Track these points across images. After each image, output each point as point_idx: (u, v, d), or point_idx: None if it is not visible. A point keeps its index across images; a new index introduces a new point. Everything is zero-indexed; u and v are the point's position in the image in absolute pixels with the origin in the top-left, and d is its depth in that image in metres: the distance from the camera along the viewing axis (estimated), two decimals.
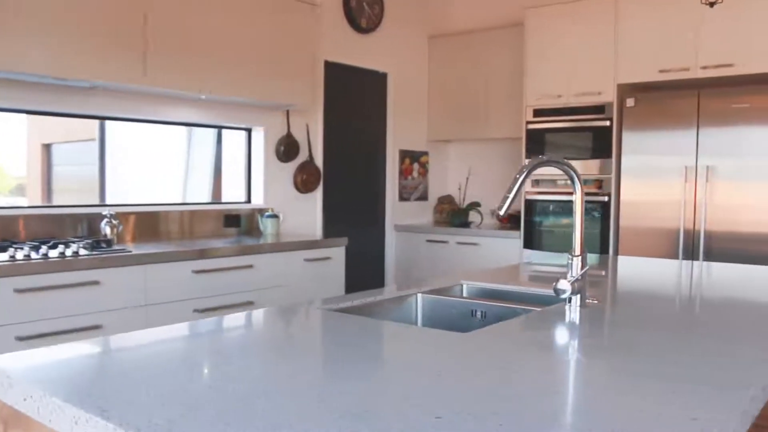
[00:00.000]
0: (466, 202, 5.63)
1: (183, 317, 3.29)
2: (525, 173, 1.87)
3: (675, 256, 4.30)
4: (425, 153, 5.84)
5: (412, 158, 5.72)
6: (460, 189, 5.69)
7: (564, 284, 1.87)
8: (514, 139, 5.38)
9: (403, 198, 5.65)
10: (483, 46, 5.46)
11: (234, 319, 1.72)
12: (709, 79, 4.26)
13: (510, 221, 5.46)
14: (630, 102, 4.47)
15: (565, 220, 4.80)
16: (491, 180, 5.75)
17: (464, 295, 2.40)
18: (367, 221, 5.43)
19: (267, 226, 4.32)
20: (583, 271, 1.88)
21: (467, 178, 5.66)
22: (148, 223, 3.89)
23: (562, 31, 4.77)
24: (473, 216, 5.51)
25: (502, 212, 1.87)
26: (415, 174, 5.77)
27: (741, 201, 4.11)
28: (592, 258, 3.14)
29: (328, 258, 4.11)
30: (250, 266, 3.62)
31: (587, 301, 2.00)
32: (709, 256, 4.19)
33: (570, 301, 1.90)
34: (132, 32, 3.41)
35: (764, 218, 4.04)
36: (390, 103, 5.49)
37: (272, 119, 4.56)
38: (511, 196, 1.86)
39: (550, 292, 2.17)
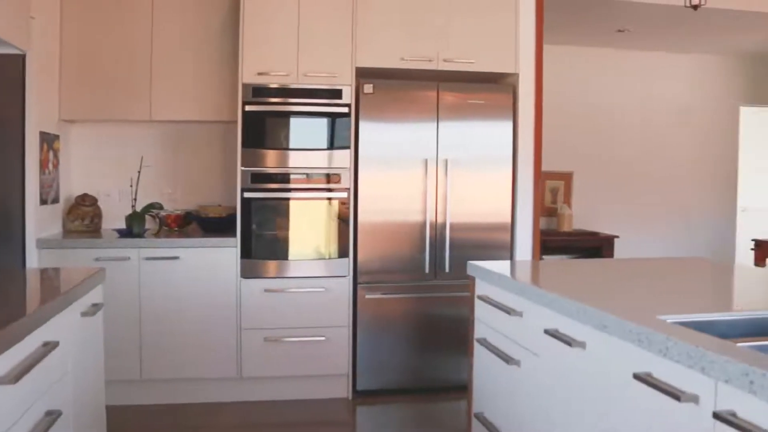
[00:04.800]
0: (136, 204, 4.29)
1: None
2: None
3: (420, 251, 4.18)
4: (57, 137, 4.21)
5: (48, 144, 4.06)
6: (132, 186, 4.29)
7: None
8: (217, 123, 4.36)
9: (42, 200, 3.97)
10: (150, 4, 4.23)
11: None
12: (448, 73, 4.24)
13: (179, 224, 4.40)
14: (368, 88, 4.11)
15: (290, 223, 4.12)
16: (166, 175, 4.53)
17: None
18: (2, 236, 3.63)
19: None
20: None
21: (139, 173, 4.29)
22: None
23: None
24: (148, 222, 4.25)
25: None
26: (50, 166, 4.11)
27: (478, 192, 4.25)
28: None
29: (99, 304, 2.59)
30: (56, 344, 1.98)
31: None
32: (453, 248, 4.20)
33: None
34: None
35: (498, 208, 4.27)
36: (30, 64, 3.74)
37: None
38: None
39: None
